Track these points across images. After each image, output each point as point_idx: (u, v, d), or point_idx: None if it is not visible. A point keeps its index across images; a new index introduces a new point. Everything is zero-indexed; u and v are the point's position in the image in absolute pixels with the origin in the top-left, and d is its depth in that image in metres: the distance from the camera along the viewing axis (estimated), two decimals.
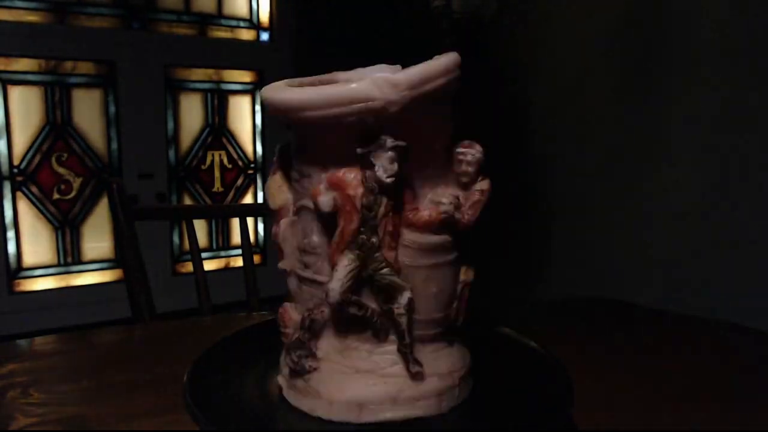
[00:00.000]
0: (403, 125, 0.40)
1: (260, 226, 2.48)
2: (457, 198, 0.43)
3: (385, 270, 0.42)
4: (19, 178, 2.01)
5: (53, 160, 2.05)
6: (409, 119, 0.40)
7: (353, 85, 0.39)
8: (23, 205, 2.02)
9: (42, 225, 2.06)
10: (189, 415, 0.42)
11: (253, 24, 2.41)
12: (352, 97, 0.39)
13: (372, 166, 0.40)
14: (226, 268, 2.39)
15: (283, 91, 0.42)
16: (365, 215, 0.41)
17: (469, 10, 1.85)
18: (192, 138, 2.30)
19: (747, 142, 1.57)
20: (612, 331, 0.78)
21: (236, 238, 2.39)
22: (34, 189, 2.03)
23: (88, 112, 2.10)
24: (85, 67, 2.08)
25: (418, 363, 0.43)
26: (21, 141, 1.99)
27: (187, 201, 2.31)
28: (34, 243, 2.05)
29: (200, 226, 2.29)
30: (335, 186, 0.41)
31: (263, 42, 2.42)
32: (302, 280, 0.45)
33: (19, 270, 2.04)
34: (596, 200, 2.01)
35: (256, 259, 2.39)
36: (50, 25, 2.03)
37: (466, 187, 0.44)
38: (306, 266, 0.45)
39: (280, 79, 0.45)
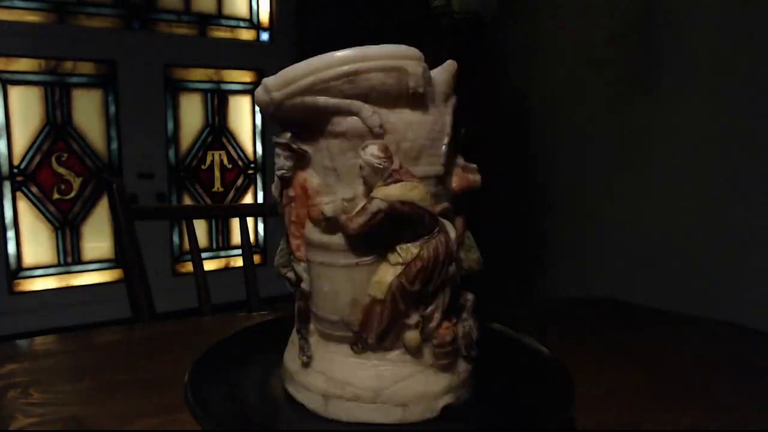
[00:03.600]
0: (301, 123, 0.43)
1: (260, 226, 2.48)
2: (348, 200, 0.42)
3: (292, 256, 0.46)
4: (19, 178, 2.01)
5: (53, 160, 2.05)
6: (300, 118, 0.43)
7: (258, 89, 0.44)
8: (23, 205, 2.02)
9: (42, 225, 2.06)
10: (189, 414, 0.42)
11: (253, 24, 2.41)
12: (256, 100, 0.44)
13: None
14: (226, 268, 2.39)
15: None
16: (277, 203, 0.46)
17: (469, 10, 1.84)
18: (192, 138, 2.30)
19: (747, 142, 1.57)
20: (612, 331, 0.78)
21: (236, 238, 2.38)
22: (34, 189, 2.03)
23: (88, 112, 2.10)
24: (85, 67, 2.08)
25: (305, 353, 0.45)
26: (21, 141, 1.99)
27: (187, 201, 2.31)
28: (34, 243, 2.05)
29: (200, 226, 2.29)
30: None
31: (263, 42, 2.42)
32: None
33: (19, 270, 2.04)
34: (596, 200, 2.01)
35: (256, 259, 2.39)
36: (50, 25, 2.03)
37: (367, 192, 0.42)
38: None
39: None
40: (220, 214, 1.96)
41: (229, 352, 0.53)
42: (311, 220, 0.44)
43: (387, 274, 0.41)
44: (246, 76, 2.39)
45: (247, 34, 2.40)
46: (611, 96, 1.94)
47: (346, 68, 0.40)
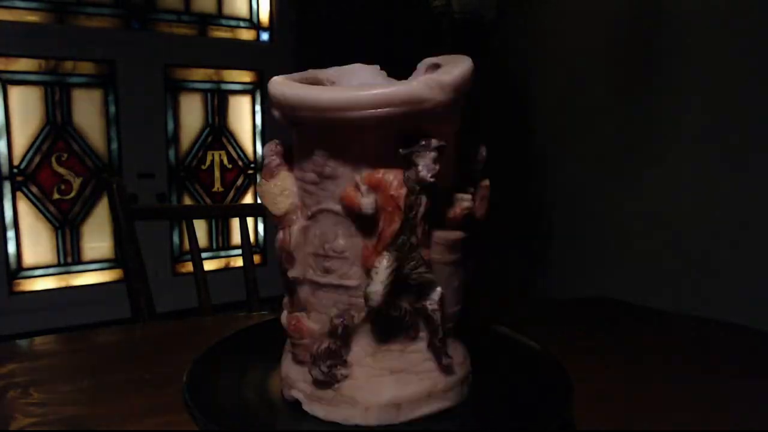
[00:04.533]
0: (441, 125, 0.41)
1: (260, 226, 2.48)
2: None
3: (421, 268, 0.42)
4: (19, 178, 2.01)
5: (53, 160, 2.05)
6: (447, 119, 0.42)
7: (406, 86, 0.39)
8: (23, 205, 2.02)
9: (42, 225, 2.06)
10: (188, 415, 0.42)
11: (253, 24, 2.41)
12: (405, 98, 0.39)
13: (413, 167, 0.39)
14: (226, 268, 2.39)
15: (321, 91, 0.40)
16: (407, 215, 0.40)
17: (469, 10, 1.84)
18: (192, 138, 2.30)
19: (747, 142, 1.57)
20: (612, 331, 0.78)
21: (236, 238, 2.38)
22: (34, 189, 2.03)
23: (88, 112, 2.10)
24: (85, 67, 2.08)
25: (449, 356, 0.44)
26: (21, 141, 1.99)
27: (187, 201, 2.31)
28: (34, 243, 2.05)
29: (200, 226, 2.29)
30: (375, 187, 0.40)
31: (263, 42, 2.42)
32: (321, 286, 0.43)
33: (19, 270, 2.04)
34: (596, 200, 2.01)
35: (256, 259, 2.39)
36: (50, 25, 2.03)
37: (473, 183, 0.45)
38: (327, 272, 0.43)
39: None
40: (220, 214, 1.96)
41: (229, 352, 0.53)
42: (442, 223, 0.46)
43: None
44: (246, 76, 2.39)
45: (247, 34, 2.40)
46: (611, 96, 1.94)
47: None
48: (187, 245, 1.51)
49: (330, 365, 0.43)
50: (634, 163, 1.87)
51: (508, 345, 0.55)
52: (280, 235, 0.45)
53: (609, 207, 1.95)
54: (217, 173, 2.37)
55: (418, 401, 0.43)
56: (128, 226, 0.97)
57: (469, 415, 0.45)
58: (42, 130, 2.02)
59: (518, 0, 2.20)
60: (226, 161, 2.38)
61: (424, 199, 0.40)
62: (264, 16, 2.42)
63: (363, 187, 0.40)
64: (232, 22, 2.36)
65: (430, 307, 0.43)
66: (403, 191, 0.40)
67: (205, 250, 2.31)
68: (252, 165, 2.44)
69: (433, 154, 0.39)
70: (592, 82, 2.00)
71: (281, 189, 0.45)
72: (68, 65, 2.05)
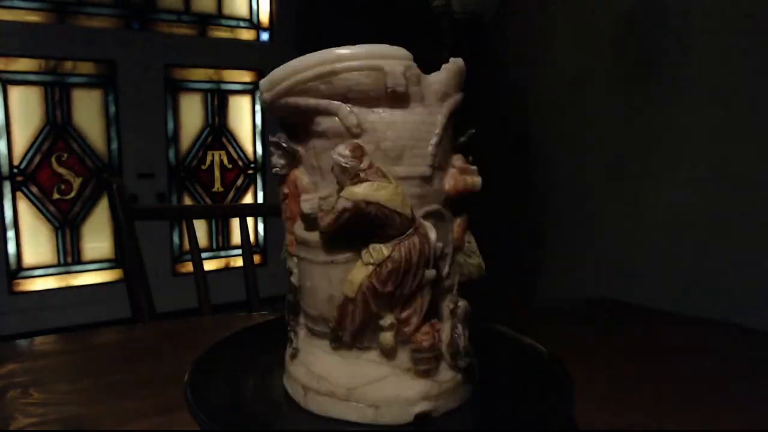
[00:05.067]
0: (294, 123, 0.45)
1: (260, 226, 2.48)
2: (324, 198, 0.42)
3: (286, 251, 0.47)
4: (19, 178, 2.01)
5: (53, 160, 2.05)
6: (287, 118, 0.45)
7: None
8: (23, 205, 2.02)
9: (42, 225, 2.06)
10: (189, 414, 0.42)
11: (253, 24, 2.41)
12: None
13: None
14: (226, 268, 2.39)
15: None
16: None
17: (469, 10, 1.84)
18: (192, 138, 2.30)
19: (747, 142, 1.57)
20: (612, 331, 0.78)
21: (236, 238, 2.38)
22: (34, 189, 2.03)
23: (88, 112, 2.10)
24: (85, 67, 2.08)
25: (292, 345, 0.47)
26: (21, 141, 1.99)
27: (187, 201, 2.31)
28: (34, 243, 2.05)
29: (200, 226, 2.29)
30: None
31: (263, 42, 2.42)
32: (440, 284, 0.44)
33: (19, 270, 2.04)
34: (596, 200, 2.01)
35: (256, 259, 2.39)
36: (50, 25, 2.03)
37: (339, 191, 0.42)
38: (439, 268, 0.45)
39: None
40: (220, 214, 1.96)
41: (229, 352, 0.53)
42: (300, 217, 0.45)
43: (359, 273, 0.41)
44: (246, 76, 2.39)
45: (247, 34, 2.40)
46: (611, 96, 1.94)
47: (321, 69, 0.41)
48: (187, 245, 1.51)
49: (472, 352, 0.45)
50: (634, 163, 1.86)
51: (509, 345, 0.55)
52: (415, 238, 0.41)
53: (609, 207, 1.95)
54: (217, 173, 2.37)
55: (283, 367, 0.48)
56: (128, 226, 0.97)
57: (470, 414, 0.45)
58: (42, 130, 2.02)
59: (518, 0, 2.20)
60: (226, 161, 2.38)
61: (281, 188, 0.47)
62: (264, 16, 2.42)
63: (473, 168, 0.45)
64: (232, 22, 2.36)
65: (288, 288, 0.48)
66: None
67: (205, 250, 2.31)
68: (252, 165, 2.44)
69: (270, 149, 0.46)
70: (591, 82, 2.00)
71: (402, 189, 0.41)
72: (68, 65, 2.05)
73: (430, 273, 0.41)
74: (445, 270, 0.44)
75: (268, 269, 2.40)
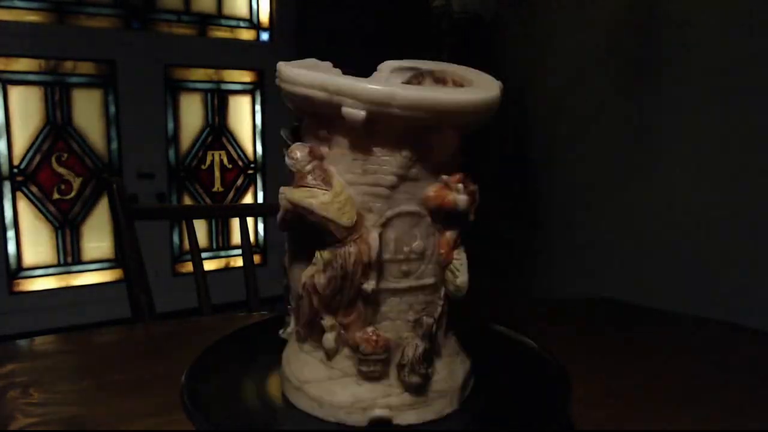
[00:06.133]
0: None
1: (260, 226, 2.48)
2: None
3: None
4: (19, 178, 2.01)
5: (53, 160, 2.05)
6: None
7: (491, 93, 0.41)
8: (23, 205, 2.02)
9: (42, 225, 2.06)
10: (188, 415, 0.42)
11: (253, 24, 2.41)
12: (492, 104, 0.41)
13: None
14: (226, 268, 2.39)
15: (439, 92, 0.41)
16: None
17: (469, 10, 1.85)
18: (192, 138, 2.30)
19: (746, 141, 1.57)
20: (612, 331, 0.78)
21: (236, 238, 2.38)
22: (34, 189, 2.03)
23: (88, 112, 2.10)
24: (85, 67, 2.08)
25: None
26: (21, 141, 1.99)
27: (187, 201, 2.31)
28: (34, 243, 2.05)
29: (200, 226, 2.29)
30: (463, 184, 0.43)
31: (263, 42, 2.42)
32: (397, 292, 0.43)
33: (19, 270, 2.04)
34: (596, 200, 2.01)
35: (256, 259, 2.39)
36: (50, 25, 2.03)
37: None
38: (405, 275, 0.43)
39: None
40: (220, 214, 1.96)
41: (229, 352, 0.53)
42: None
43: (307, 272, 0.43)
44: (246, 76, 2.39)
45: (247, 34, 2.40)
46: (611, 96, 1.94)
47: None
48: (187, 245, 1.51)
49: (427, 367, 0.43)
50: (635, 163, 1.86)
51: (508, 345, 0.55)
52: (352, 248, 0.41)
53: (609, 207, 1.95)
54: (217, 173, 2.37)
55: (471, 373, 0.47)
56: (128, 226, 0.97)
57: (470, 414, 0.45)
58: (42, 130, 2.02)
59: (518, 0, 2.20)
60: (226, 161, 2.38)
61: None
62: (264, 16, 2.42)
63: (458, 186, 0.42)
64: (232, 22, 2.36)
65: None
66: (476, 187, 0.43)
67: (205, 250, 2.31)
68: (252, 165, 2.44)
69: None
70: (591, 81, 2.00)
71: (345, 198, 0.41)
72: (68, 65, 2.05)
73: (369, 285, 0.41)
74: (407, 280, 0.43)
75: (268, 269, 2.40)
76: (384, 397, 0.43)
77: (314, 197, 0.40)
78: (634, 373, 0.62)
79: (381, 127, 0.40)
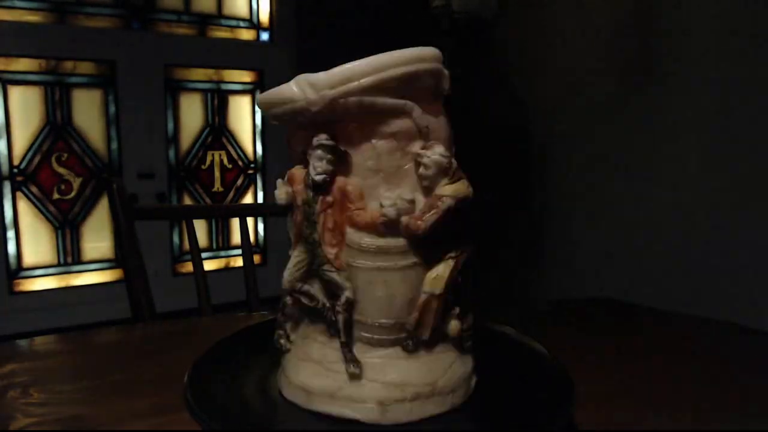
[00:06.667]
0: (345, 124, 0.42)
1: (260, 226, 2.48)
2: (408, 201, 0.42)
3: (325, 266, 0.43)
4: (19, 178, 2.01)
5: (53, 160, 2.05)
6: (348, 118, 0.42)
7: (279, 88, 0.42)
8: (23, 205, 2.02)
9: (42, 225, 2.06)
10: (189, 414, 0.42)
11: (253, 24, 2.41)
12: (280, 98, 0.42)
13: (310, 164, 0.42)
14: (226, 268, 2.39)
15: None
16: (306, 211, 0.43)
17: (469, 10, 1.84)
18: (192, 138, 2.30)
19: (746, 141, 1.57)
20: (612, 331, 0.78)
21: (236, 238, 2.38)
22: (34, 189, 2.03)
23: (88, 112, 2.10)
24: (85, 67, 2.08)
25: (355, 364, 0.43)
26: (21, 141, 1.99)
27: (187, 201, 2.31)
28: (34, 243, 2.05)
29: (200, 226, 2.28)
30: (290, 181, 0.44)
31: (263, 42, 2.42)
32: None
33: (19, 270, 2.04)
34: (596, 200, 2.01)
35: (256, 259, 2.39)
36: (50, 25, 2.03)
37: (427, 191, 0.42)
38: None
39: (281, 79, 0.45)
40: (220, 214, 1.96)
41: (229, 352, 0.53)
42: (356, 225, 0.42)
43: (446, 269, 0.42)
44: (246, 76, 2.39)
45: (247, 34, 2.40)
46: (611, 96, 1.94)
47: (406, 69, 0.41)
48: (187, 245, 1.51)
49: (278, 335, 0.48)
50: (635, 163, 1.86)
51: (509, 345, 0.55)
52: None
53: (609, 207, 1.95)
54: (217, 173, 2.37)
55: (321, 396, 0.44)
56: (128, 226, 0.97)
57: (470, 414, 0.45)
58: (42, 130, 2.02)
59: (518, 0, 2.20)
60: (226, 161, 2.38)
61: (319, 197, 0.42)
62: (264, 16, 2.42)
63: (279, 180, 0.45)
64: (232, 22, 2.36)
65: (336, 308, 0.43)
66: (301, 187, 0.43)
67: (205, 250, 2.31)
68: (252, 165, 2.44)
69: (318, 152, 0.41)
70: (591, 81, 2.00)
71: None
72: (68, 65, 2.05)
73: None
74: None
75: (268, 269, 2.40)
76: (474, 364, 0.47)
77: (469, 187, 0.43)
78: (634, 373, 0.62)
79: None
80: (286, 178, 0.45)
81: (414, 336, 0.44)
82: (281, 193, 0.45)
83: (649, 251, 1.80)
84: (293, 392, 0.45)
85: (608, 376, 0.60)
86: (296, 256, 0.44)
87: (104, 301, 2.04)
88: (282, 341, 0.48)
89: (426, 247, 0.42)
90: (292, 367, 0.46)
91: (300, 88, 0.41)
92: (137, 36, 2.16)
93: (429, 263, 0.43)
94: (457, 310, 0.45)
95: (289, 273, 0.44)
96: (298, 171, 0.44)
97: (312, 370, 0.45)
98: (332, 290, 0.43)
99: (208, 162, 2.34)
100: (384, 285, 0.43)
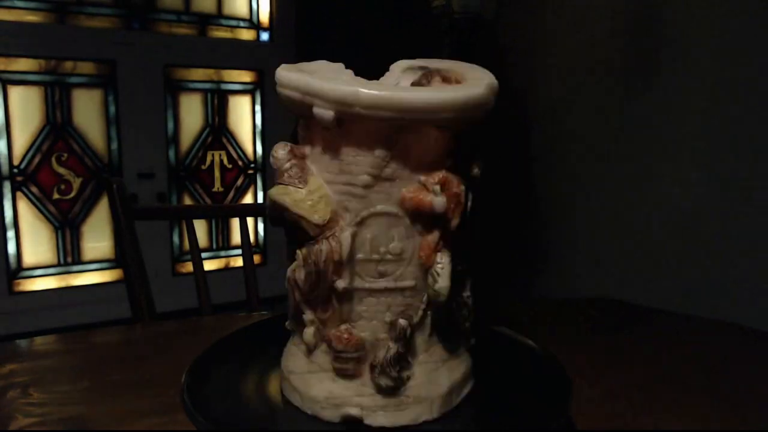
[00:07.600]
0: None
1: (260, 226, 2.48)
2: None
3: (460, 260, 0.44)
4: (19, 178, 2.01)
5: (53, 160, 2.05)
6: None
7: (476, 90, 0.41)
8: (23, 205, 2.02)
9: (42, 225, 2.06)
10: (188, 415, 0.42)
11: (253, 24, 2.41)
12: (478, 102, 0.40)
13: (465, 167, 0.42)
14: (226, 268, 2.39)
15: (404, 92, 0.40)
16: (465, 212, 0.42)
17: (469, 10, 1.84)
18: (192, 138, 2.30)
19: (746, 141, 1.57)
20: (612, 331, 0.78)
21: (236, 238, 2.38)
22: (34, 189, 2.03)
23: (88, 112, 2.10)
24: (85, 67, 2.08)
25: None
26: (21, 141, 1.99)
27: (187, 201, 2.31)
28: (34, 243, 2.05)
29: (200, 226, 2.29)
30: (444, 186, 0.41)
31: (263, 42, 2.42)
32: (373, 292, 0.42)
33: (19, 270, 2.04)
34: (596, 200, 2.01)
35: (256, 259, 2.39)
36: (50, 25, 2.03)
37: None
38: (381, 276, 0.42)
39: None
40: (220, 214, 1.96)
41: (229, 352, 0.53)
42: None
43: (291, 267, 0.43)
44: (246, 76, 2.39)
45: (247, 34, 2.40)
46: (612, 96, 1.94)
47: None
48: (187, 245, 1.51)
49: (399, 370, 0.42)
50: (635, 163, 1.86)
51: (508, 345, 0.55)
52: (323, 245, 0.41)
53: (609, 207, 1.95)
54: (217, 173, 2.37)
55: (462, 383, 0.46)
56: (128, 226, 0.97)
57: (470, 415, 0.45)
58: (42, 130, 2.02)
59: (519, 0, 2.20)
60: (226, 161, 2.38)
61: (471, 196, 0.42)
62: (264, 16, 2.42)
63: (435, 187, 0.41)
64: (232, 22, 2.36)
65: (465, 295, 0.45)
66: (463, 188, 0.41)
67: (205, 250, 2.31)
68: (252, 165, 2.44)
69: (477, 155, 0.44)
70: (592, 81, 2.00)
71: (320, 196, 0.41)
72: (68, 65, 2.05)
73: (340, 283, 0.41)
74: (384, 280, 0.42)
75: (268, 269, 2.40)
76: (357, 396, 0.43)
77: (287, 194, 0.41)
78: (634, 372, 0.62)
79: (353, 127, 0.40)
80: (438, 186, 0.41)
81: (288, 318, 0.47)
82: (445, 200, 0.41)
83: (649, 251, 1.80)
84: (441, 404, 0.44)
85: (608, 376, 0.60)
86: (451, 263, 0.42)
87: (104, 301, 2.05)
88: (405, 373, 0.43)
89: (288, 238, 0.45)
90: (428, 383, 0.44)
91: (493, 94, 0.42)
92: (137, 36, 2.16)
93: (291, 256, 0.45)
94: (308, 317, 0.43)
95: (451, 281, 0.42)
96: (449, 175, 0.41)
97: (450, 368, 0.46)
98: (462, 282, 0.45)
99: (208, 162, 2.34)
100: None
